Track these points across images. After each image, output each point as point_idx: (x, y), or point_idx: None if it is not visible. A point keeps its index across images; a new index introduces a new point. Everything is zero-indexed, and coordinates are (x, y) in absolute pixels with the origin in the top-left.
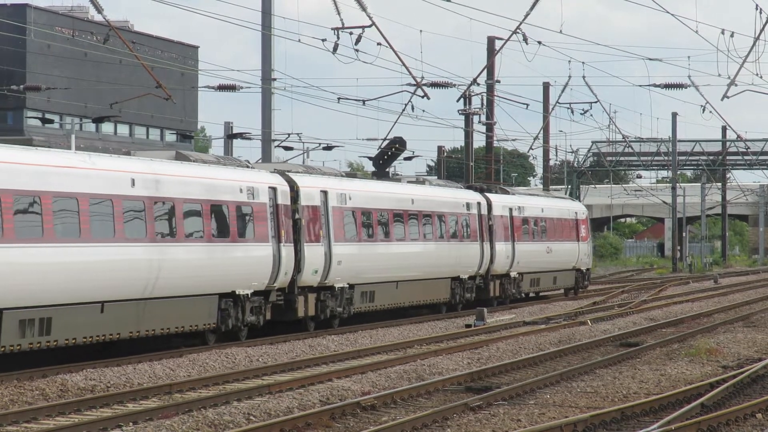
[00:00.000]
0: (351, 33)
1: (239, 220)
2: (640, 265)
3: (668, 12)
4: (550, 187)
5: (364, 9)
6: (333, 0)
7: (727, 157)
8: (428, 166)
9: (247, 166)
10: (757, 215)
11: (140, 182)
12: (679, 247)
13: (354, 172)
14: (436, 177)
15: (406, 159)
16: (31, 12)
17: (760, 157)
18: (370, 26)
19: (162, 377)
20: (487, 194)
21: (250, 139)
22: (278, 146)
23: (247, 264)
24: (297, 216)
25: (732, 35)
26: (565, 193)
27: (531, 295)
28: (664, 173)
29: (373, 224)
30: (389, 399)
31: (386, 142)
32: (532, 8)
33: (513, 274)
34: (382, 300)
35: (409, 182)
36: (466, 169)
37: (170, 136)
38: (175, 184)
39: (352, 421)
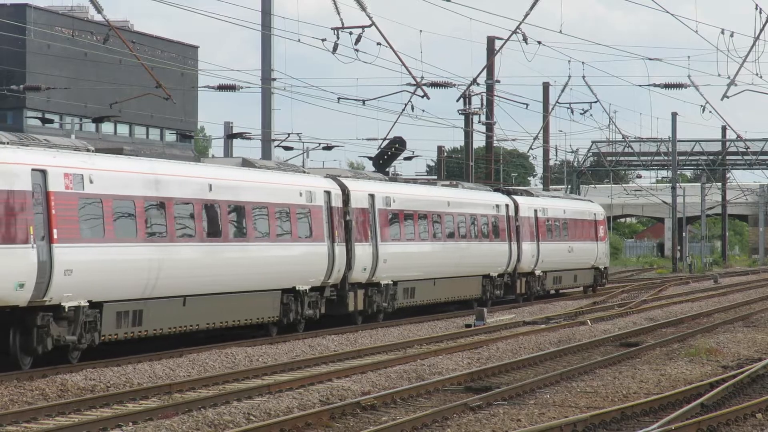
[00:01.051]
0: (351, 33)
1: (299, 222)
2: (640, 265)
3: (668, 12)
4: (550, 187)
5: (364, 9)
6: (333, 0)
7: (727, 157)
8: (428, 166)
9: (304, 172)
10: (757, 215)
11: (216, 187)
12: (679, 247)
13: (395, 177)
14: (438, 177)
15: (406, 159)
16: (31, 12)
17: (760, 157)
18: (369, 26)
19: (162, 377)
20: (514, 196)
21: (250, 139)
22: (278, 146)
23: (306, 262)
24: (348, 217)
25: (732, 35)
26: (565, 193)
27: (551, 292)
28: (664, 173)
29: (414, 225)
30: (389, 399)
31: (386, 142)
32: (531, 8)
33: (538, 272)
34: (422, 296)
35: (443, 185)
36: (466, 169)
37: (170, 136)
38: (245, 189)
39: (352, 421)
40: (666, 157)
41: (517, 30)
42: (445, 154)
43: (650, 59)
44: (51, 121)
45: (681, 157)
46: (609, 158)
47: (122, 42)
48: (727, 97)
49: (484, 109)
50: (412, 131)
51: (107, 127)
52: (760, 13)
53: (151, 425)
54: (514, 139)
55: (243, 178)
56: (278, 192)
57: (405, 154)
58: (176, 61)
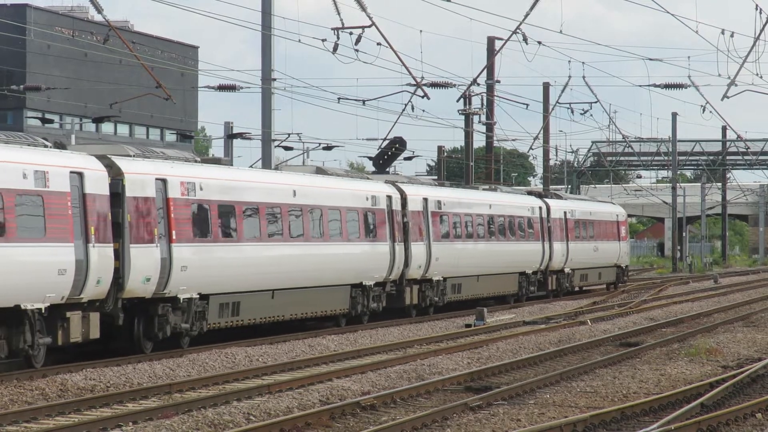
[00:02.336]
0: (351, 33)
1: (366, 223)
2: (640, 265)
3: (668, 12)
4: (550, 187)
5: (364, 9)
6: (333, 0)
7: (727, 157)
8: (428, 166)
9: (368, 178)
10: (757, 215)
11: (299, 193)
12: (679, 247)
13: (442, 181)
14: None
15: (406, 159)
16: (31, 12)
17: (760, 157)
18: (370, 26)
19: (162, 377)
20: (546, 199)
21: (250, 139)
22: (278, 146)
23: (372, 260)
24: (405, 219)
25: (732, 35)
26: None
27: (576, 289)
28: (664, 173)
29: (461, 226)
30: (389, 399)
31: (386, 142)
32: (532, 8)
33: (567, 269)
34: (467, 291)
35: (483, 189)
36: (466, 169)
37: (170, 136)
38: (321, 194)
39: (352, 421)
40: (666, 157)
41: (517, 30)
42: (445, 154)
43: (650, 59)
44: (51, 121)
45: (681, 157)
46: (609, 158)
47: (122, 42)
48: (728, 98)
49: (484, 110)
50: (412, 131)
51: (107, 127)
52: (760, 13)
53: (151, 425)
54: (514, 139)
55: (319, 185)
56: (349, 197)
57: (405, 154)
58: (176, 61)
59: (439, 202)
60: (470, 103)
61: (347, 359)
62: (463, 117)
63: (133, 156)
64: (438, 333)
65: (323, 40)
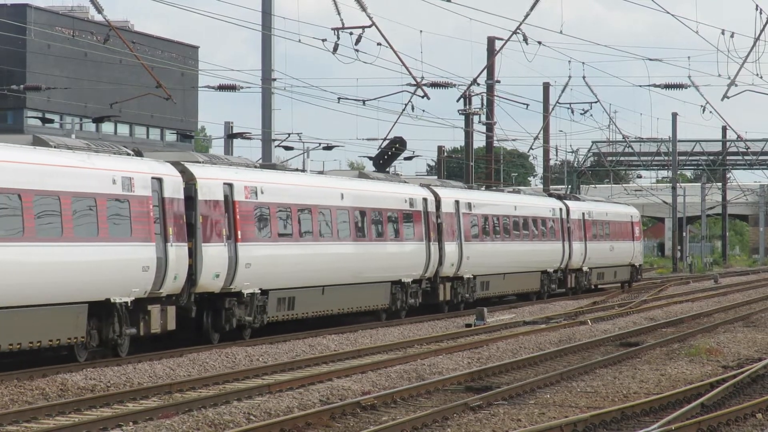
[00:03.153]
0: (351, 33)
1: (404, 224)
2: None
3: (668, 12)
4: (550, 187)
5: (364, 9)
6: (333, 0)
7: (727, 157)
8: (428, 166)
9: (405, 182)
10: (757, 215)
11: (346, 196)
12: (679, 247)
13: (471, 185)
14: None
15: (406, 159)
16: (31, 12)
17: (760, 157)
18: (370, 26)
19: (162, 377)
20: (566, 201)
21: (250, 139)
22: (278, 146)
23: (410, 258)
24: (439, 220)
25: (732, 35)
26: (566, 193)
27: (591, 287)
28: (664, 173)
29: (490, 226)
30: (389, 399)
31: (386, 142)
32: (532, 8)
33: (585, 268)
34: (495, 288)
35: (508, 192)
36: (466, 169)
37: (170, 136)
38: (365, 197)
39: (352, 420)
40: (666, 157)
41: (518, 30)
42: (445, 154)
43: (650, 59)
44: (51, 121)
45: (681, 157)
46: (609, 158)
47: (122, 42)
48: (728, 98)
49: (485, 110)
50: (413, 131)
51: (107, 127)
52: (761, 13)
53: (151, 425)
54: (514, 139)
55: (363, 188)
56: (389, 199)
57: (405, 154)
58: (176, 61)
59: (469, 204)
60: (470, 103)
61: (347, 359)
62: (463, 117)
63: (203, 162)
64: (438, 333)
65: (323, 40)
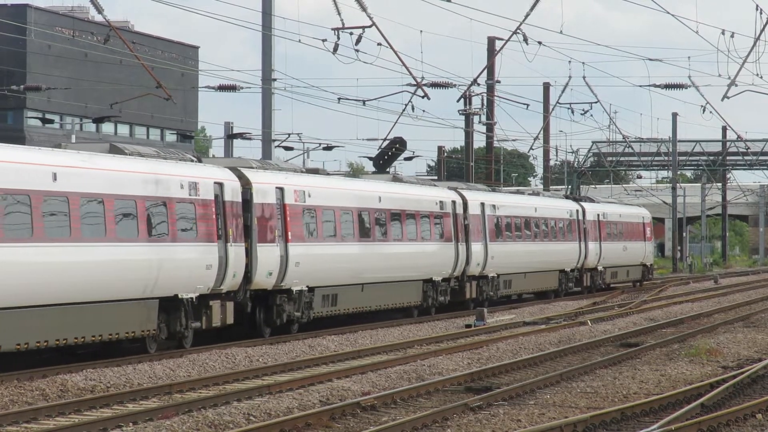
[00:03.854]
0: (351, 33)
1: (435, 225)
2: None
3: (668, 12)
4: (551, 187)
5: (364, 9)
6: (333, 0)
7: (727, 158)
8: (428, 166)
9: (435, 185)
10: (757, 215)
11: (383, 199)
12: (679, 248)
13: (495, 188)
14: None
15: (406, 159)
16: (32, 12)
17: (760, 158)
18: (370, 26)
19: (162, 377)
20: (582, 203)
21: (250, 139)
22: (278, 146)
23: (440, 258)
24: (466, 222)
25: (732, 35)
26: (566, 193)
27: (606, 286)
28: (664, 173)
29: (512, 227)
30: (389, 399)
31: (386, 142)
32: (532, 8)
33: (600, 267)
34: (516, 286)
35: (529, 194)
36: (466, 169)
37: (170, 136)
38: (400, 199)
39: (352, 421)
40: (666, 158)
41: (518, 30)
42: (446, 154)
43: (650, 59)
44: (51, 121)
45: (681, 158)
46: (609, 158)
47: (123, 42)
48: (728, 98)
49: (485, 110)
50: (413, 131)
51: (107, 128)
52: (761, 13)
53: (151, 425)
54: (514, 140)
55: (398, 191)
56: (422, 202)
57: (405, 154)
58: (176, 61)
59: (494, 206)
60: (470, 103)
61: (347, 359)
62: (463, 117)
63: (256, 168)
64: (438, 333)
65: (323, 41)
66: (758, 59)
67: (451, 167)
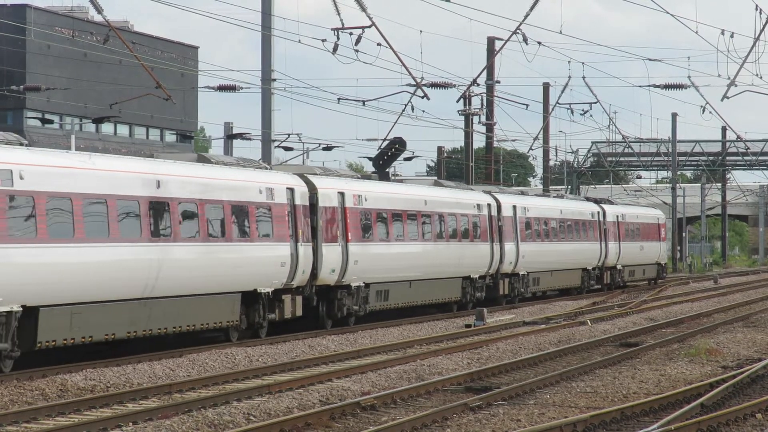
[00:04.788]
0: (351, 33)
1: (474, 227)
2: None
3: (668, 12)
4: (550, 187)
5: (364, 9)
6: (333, 0)
7: (727, 158)
8: (428, 166)
9: (471, 189)
10: (757, 215)
11: (428, 202)
12: (679, 248)
13: (524, 191)
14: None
15: (406, 159)
16: (31, 12)
17: (760, 158)
18: (370, 26)
19: (162, 377)
20: (602, 205)
21: (250, 139)
22: (278, 146)
23: (478, 257)
24: (500, 223)
25: (732, 35)
26: (566, 193)
27: (621, 284)
28: (664, 173)
29: (540, 228)
30: (389, 399)
31: (386, 142)
32: (532, 9)
33: (619, 266)
34: (544, 284)
35: (554, 197)
36: (466, 169)
37: (170, 137)
38: (444, 203)
39: (352, 421)
40: (666, 158)
41: (518, 30)
42: (445, 154)
43: (650, 60)
44: (51, 122)
45: (681, 158)
46: (609, 159)
47: (122, 42)
48: (727, 98)
49: (484, 110)
50: (412, 132)
51: (107, 128)
52: (760, 13)
53: (151, 425)
54: (514, 140)
55: (440, 195)
56: (461, 204)
57: (405, 154)
58: (176, 61)
59: (524, 208)
60: (470, 104)
61: (347, 359)
62: (463, 117)
63: (320, 174)
64: (438, 333)
65: (323, 41)
66: (758, 59)
67: (450, 167)
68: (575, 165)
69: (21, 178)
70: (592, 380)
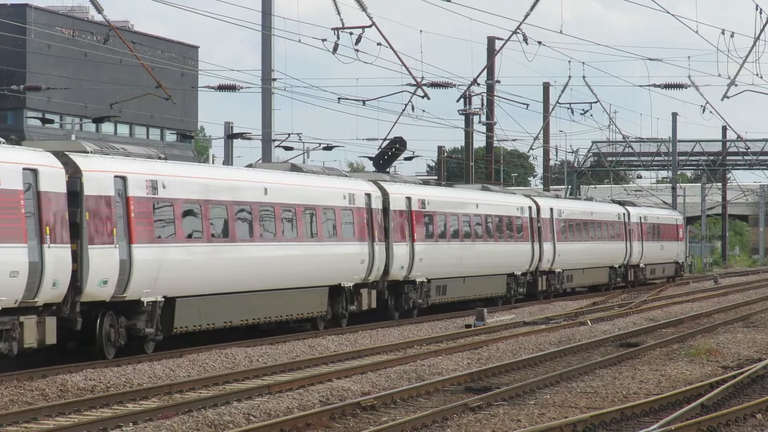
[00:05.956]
0: (351, 33)
1: (516, 227)
2: None
3: (668, 12)
4: (551, 187)
5: (364, 9)
6: (333, 0)
7: (727, 157)
8: (428, 166)
9: (514, 193)
10: (757, 215)
11: (479, 205)
12: None
13: (557, 192)
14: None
15: (406, 159)
16: (31, 12)
17: (760, 157)
18: (370, 26)
19: (162, 377)
20: (627, 207)
21: (250, 139)
22: (278, 146)
23: (522, 255)
24: (538, 224)
25: (732, 35)
26: (565, 194)
27: (644, 281)
28: (664, 173)
29: (574, 229)
30: (389, 399)
31: (386, 142)
32: (532, 8)
33: (641, 264)
34: (577, 281)
35: (584, 200)
36: (466, 169)
37: (170, 136)
38: (493, 205)
39: (352, 421)
40: (666, 158)
41: (518, 30)
42: (446, 154)
43: (650, 59)
44: (51, 121)
45: (681, 158)
46: (609, 158)
47: (122, 42)
48: (728, 98)
49: (485, 110)
50: (413, 131)
51: (107, 128)
52: (761, 13)
53: (151, 425)
54: (514, 140)
55: (489, 199)
56: (508, 207)
57: (405, 154)
58: (176, 61)
59: (560, 210)
60: (470, 103)
61: (347, 359)
62: (463, 117)
63: (389, 180)
64: (438, 333)
65: (323, 40)
66: (758, 59)
67: (451, 167)
68: (575, 165)
69: (163, 187)
70: (592, 380)
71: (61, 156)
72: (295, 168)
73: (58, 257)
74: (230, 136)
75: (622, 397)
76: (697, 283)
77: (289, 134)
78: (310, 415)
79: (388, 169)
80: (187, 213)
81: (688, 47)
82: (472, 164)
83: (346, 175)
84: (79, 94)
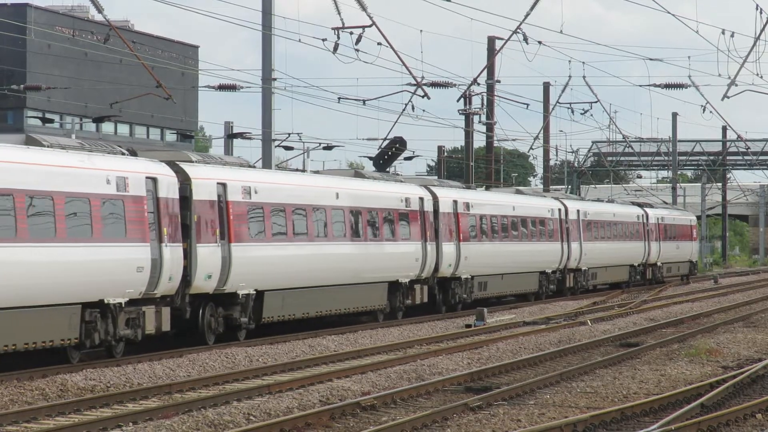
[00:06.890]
0: (351, 33)
1: (549, 228)
2: None
3: (668, 12)
4: (551, 187)
5: (364, 9)
6: (333, 0)
7: (727, 157)
8: (428, 166)
9: (544, 196)
10: (757, 215)
11: (516, 207)
12: None
13: (582, 195)
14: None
15: (406, 159)
16: (32, 12)
17: (760, 157)
18: (370, 26)
19: (162, 377)
20: (645, 208)
21: (250, 139)
22: (278, 146)
23: (552, 254)
24: (567, 225)
25: (732, 35)
26: (566, 193)
27: (661, 279)
28: (664, 173)
29: (597, 230)
30: (389, 399)
31: (386, 142)
32: (532, 8)
33: (659, 263)
34: (600, 278)
35: (606, 202)
36: (466, 169)
37: (170, 136)
38: (527, 207)
39: (352, 421)
40: (666, 157)
41: (518, 30)
42: (446, 154)
43: (650, 59)
44: (51, 121)
45: (681, 157)
46: (609, 158)
47: (123, 42)
48: (728, 97)
49: (485, 109)
50: (413, 131)
51: (107, 127)
52: (761, 13)
53: (151, 425)
54: (514, 139)
55: (523, 202)
56: (539, 209)
57: (405, 154)
58: (177, 60)
59: (586, 212)
60: (470, 103)
61: (347, 359)
62: (463, 117)
63: (438, 185)
64: (438, 333)
65: (323, 40)
66: (758, 59)
67: (451, 167)
68: (575, 164)
69: (255, 192)
70: (592, 380)
71: (172, 165)
72: (358, 174)
73: (173, 254)
74: (230, 135)
75: (622, 397)
76: (697, 283)
77: (289, 134)
78: (310, 415)
79: (387, 169)
80: (275, 215)
81: (688, 47)
82: (472, 164)
83: (402, 181)
84: (79, 93)
